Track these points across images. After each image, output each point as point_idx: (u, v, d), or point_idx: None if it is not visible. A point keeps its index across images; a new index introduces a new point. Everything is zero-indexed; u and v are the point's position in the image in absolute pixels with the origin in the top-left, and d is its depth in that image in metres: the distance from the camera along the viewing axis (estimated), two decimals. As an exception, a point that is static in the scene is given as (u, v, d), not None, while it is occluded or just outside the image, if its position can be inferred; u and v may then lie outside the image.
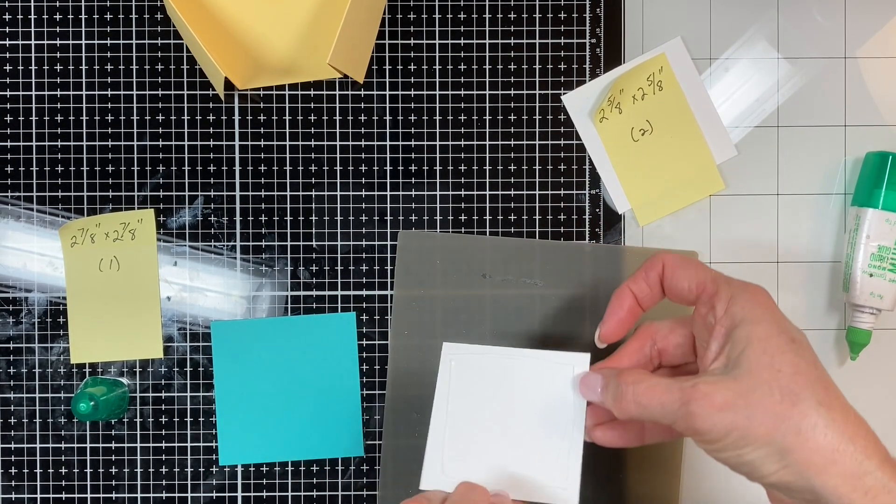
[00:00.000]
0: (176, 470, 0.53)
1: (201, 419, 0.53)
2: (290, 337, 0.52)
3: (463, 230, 0.53)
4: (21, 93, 0.53)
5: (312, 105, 0.53)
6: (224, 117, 0.53)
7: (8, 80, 0.53)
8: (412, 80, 0.53)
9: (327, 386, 0.52)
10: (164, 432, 0.53)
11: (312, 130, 0.53)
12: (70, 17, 0.53)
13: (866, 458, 0.35)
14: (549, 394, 0.43)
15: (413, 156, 0.53)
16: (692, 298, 0.41)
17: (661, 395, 0.38)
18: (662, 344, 0.43)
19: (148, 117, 0.53)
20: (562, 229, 0.53)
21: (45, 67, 0.53)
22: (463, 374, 0.43)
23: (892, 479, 0.35)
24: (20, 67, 0.53)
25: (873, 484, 0.35)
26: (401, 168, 0.53)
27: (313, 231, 0.53)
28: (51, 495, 0.53)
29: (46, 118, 0.53)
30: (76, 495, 0.53)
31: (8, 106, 0.53)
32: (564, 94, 0.53)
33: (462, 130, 0.53)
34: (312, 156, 0.53)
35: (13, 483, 0.53)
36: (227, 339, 0.52)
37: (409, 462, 0.52)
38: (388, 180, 0.53)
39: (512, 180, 0.53)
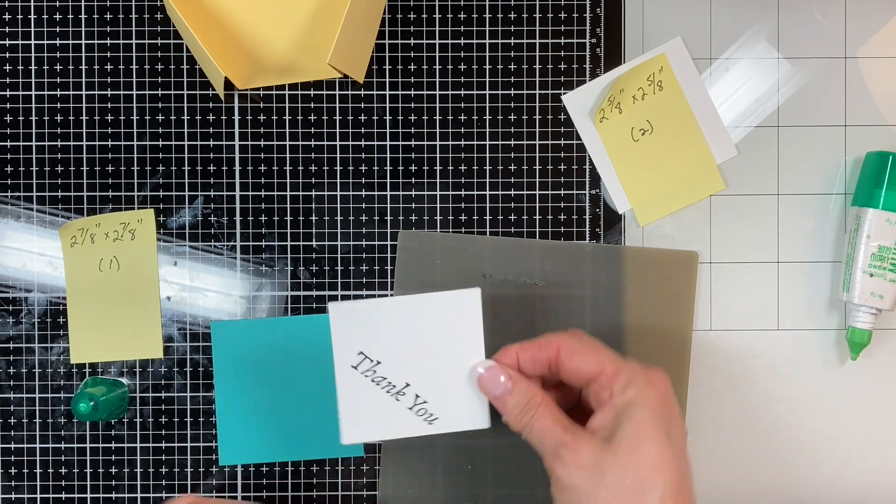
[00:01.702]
0: (176, 470, 0.53)
1: (201, 419, 0.53)
2: (290, 337, 0.52)
3: (463, 230, 0.53)
4: (21, 93, 0.53)
5: (312, 105, 0.53)
6: (224, 117, 0.53)
7: (8, 80, 0.53)
8: (412, 80, 0.53)
9: (327, 386, 0.52)
10: (164, 432, 0.53)
11: (312, 130, 0.53)
12: (70, 17, 0.53)
13: None
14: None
15: (413, 156, 0.53)
16: (590, 380, 0.41)
17: (550, 423, 0.40)
18: (565, 366, 0.43)
19: (148, 117, 0.53)
20: (562, 229, 0.53)
21: (45, 67, 0.53)
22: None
23: None
24: (20, 67, 0.53)
25: None
26: (401, 168, 0.53)
27: (313, 231, 0.53)
28: (51, 495, 0.53)
29: (46, 118, 0.53)
30: (76, 495, 0.53)
31: (8, 106, 0.53)
32: (564, 94, 0.53)
33: (462, 130, 0.53)
34: (312, 156, 0.53)
35: (13, 483, 0.53)
36: (227, 339, 0.52)
37: (409, 462, 0.52)
38: (388, 180, 0.53)
39: (512, 180, 0.53)
